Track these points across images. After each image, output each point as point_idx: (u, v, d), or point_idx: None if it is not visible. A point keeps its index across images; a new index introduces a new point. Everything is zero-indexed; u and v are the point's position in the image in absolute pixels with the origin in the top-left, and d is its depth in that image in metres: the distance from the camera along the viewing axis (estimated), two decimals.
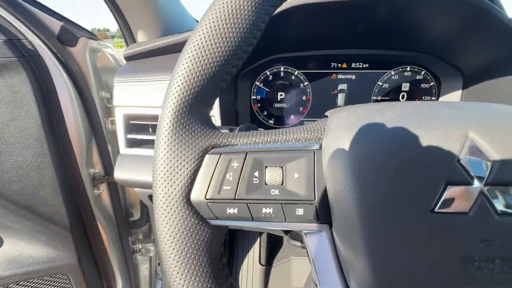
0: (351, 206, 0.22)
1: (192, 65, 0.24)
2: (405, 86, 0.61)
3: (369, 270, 0.22)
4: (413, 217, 0.21)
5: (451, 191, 0.20)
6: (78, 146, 0.78)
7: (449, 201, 0.20)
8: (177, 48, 0.58)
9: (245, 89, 0.64)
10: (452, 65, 0.56)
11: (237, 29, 0.23)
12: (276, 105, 0.65)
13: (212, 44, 0.23)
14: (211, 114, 0.51)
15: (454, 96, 0.58)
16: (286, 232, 0.63)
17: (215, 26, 0.23)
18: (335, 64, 0.61)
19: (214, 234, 0.25)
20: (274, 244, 1.17)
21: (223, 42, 0.23)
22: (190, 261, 0.24)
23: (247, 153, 0.25)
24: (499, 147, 0.20)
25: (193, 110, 0.25)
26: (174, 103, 0.24)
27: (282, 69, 0.62)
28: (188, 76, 0.24)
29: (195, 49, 0.24)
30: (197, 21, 0.59)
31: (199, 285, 0.24)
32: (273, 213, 0.25)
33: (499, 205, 0.20)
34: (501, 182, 0.20)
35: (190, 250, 0.24)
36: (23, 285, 0.78)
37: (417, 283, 0.21)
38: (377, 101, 0.62)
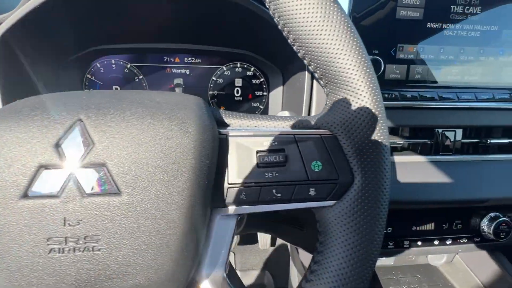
0: None
1: None
2: (238, 82, 0.63)
3: None
4: (5, 203, 0.20)
5: (44, 175, 0.20)
6: None
7: (41, 185, 0.20)
8: None
9: (74, 81, 0.59)
10: (271, 62, 0.61)
11: None
12: None
13: None
14: None
15: (279, 91, 0.63)
16: None
17: None
18: (168, 58, 0.61)
19: None
20: None
21: None
22: None
23: None
24: (97, 132, 0.21)
25: None
26: None
27: (113, 61, 0.60)
28: None
29: None
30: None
31: None
32: None
33: (87, 186, 0.20)
34: (90, 164, 0.21)
35: None
36: None
37: (14, 271, 0.21)
38: (213, 95, 0.63)
